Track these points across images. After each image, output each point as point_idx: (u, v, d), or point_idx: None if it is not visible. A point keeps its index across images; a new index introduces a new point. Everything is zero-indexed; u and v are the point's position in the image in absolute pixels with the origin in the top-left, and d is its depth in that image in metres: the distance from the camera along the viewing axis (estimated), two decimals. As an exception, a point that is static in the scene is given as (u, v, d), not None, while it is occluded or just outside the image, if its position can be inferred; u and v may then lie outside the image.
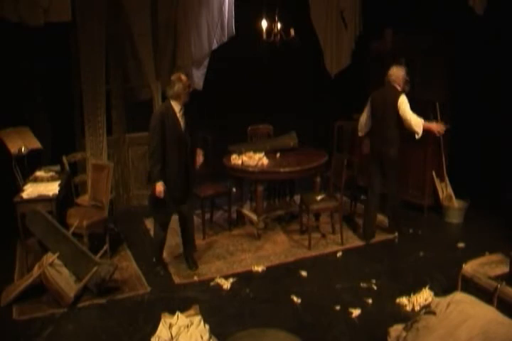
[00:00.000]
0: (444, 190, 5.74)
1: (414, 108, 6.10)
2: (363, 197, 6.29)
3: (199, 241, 5.24)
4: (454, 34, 5.55)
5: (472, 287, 3.44)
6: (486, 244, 4.79)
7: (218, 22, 6.07)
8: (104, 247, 4.71)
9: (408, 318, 3.27)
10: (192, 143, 4.40)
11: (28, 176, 4.97)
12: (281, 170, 5.09)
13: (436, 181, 5.79)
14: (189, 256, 4.71)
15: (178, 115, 4.24)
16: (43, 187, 4.69)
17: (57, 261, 4.07)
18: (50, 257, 4.06)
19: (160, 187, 4.12)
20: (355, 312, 3.82)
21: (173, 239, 5.30)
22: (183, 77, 4.20)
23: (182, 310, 3.37)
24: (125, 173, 6.28)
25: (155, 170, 4.13)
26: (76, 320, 3.80)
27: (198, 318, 3.26)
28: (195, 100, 6.48)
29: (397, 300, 3.95)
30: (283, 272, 4.56)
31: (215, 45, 6.17)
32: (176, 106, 4.23)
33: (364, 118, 5.17)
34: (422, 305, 3.77)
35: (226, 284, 4.31)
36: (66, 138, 5.97)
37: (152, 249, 4.74)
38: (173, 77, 4.21)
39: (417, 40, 5.87)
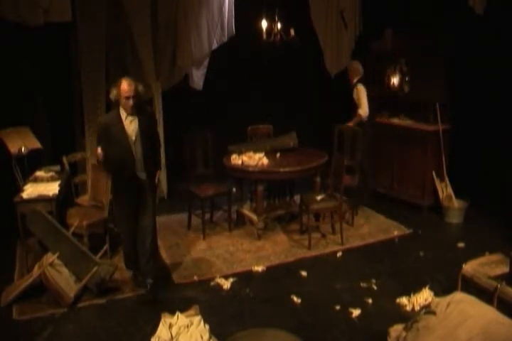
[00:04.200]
0: (444, 190, 5.74)
1: (413, 108, 6.15)
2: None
3: (199, 241, 5.25)
4: (454, 34, 5.55)
5: (472, 287, 3.44)
6: (486, 244, 4.79)
7: (218, 22, 6.08)
8: (104, 247, 4.70)
9: (408, 318, 3.26)
10: (149, 153, 4.03)
11: (28, 176, 4.96)
12: (281, 170, 5.09)
13: (436, 181, 5.79)
14: (144, 272, 4.16)
15: (125, 123, 3.89)
16: (43, 187, 4.69)
17: (57, 261, 4.07)
18: (50, 257, 4.06)
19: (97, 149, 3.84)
20: (355, 312, 3.82)
21: (172, 239, 5.31)
22: (124, 84, 3.76)
23: (182, 310, 3.37)
24: (125, 173, 6.27)
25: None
26: (76, 320, 3.80)
27: (198, 318, 3.26)
28: (195, 100, 6.55)
29: (397, 300, 3.95)
30: (283, 272, 4.56)
31: (215, 45, 6.17)
32: (123, 114, 3.89)
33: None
34: (422, 305, 3.77)
35: (226, 284, 4.31)
36: (66, 138, 5.97)
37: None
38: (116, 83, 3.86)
39: (417, 40, 5.87)
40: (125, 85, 3.76)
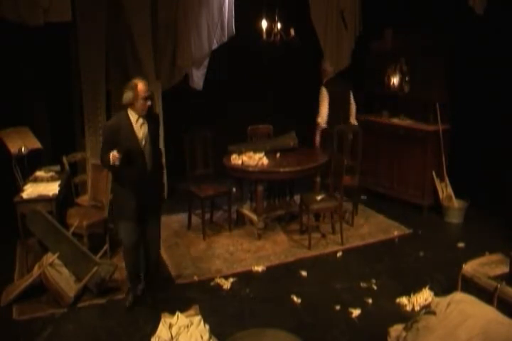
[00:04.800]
0: (444, 190, 5.74)
1: (413, 108, 6.15)
2: (363, 197, 6.32)
3: (199, 241, 5.25)
4: (454, 34, 5.55)
5: (472, 287, 3.44)
6: (486, 244, 4.79)
7: (218, 22, 6.07)
8: (104, 247, 4.70)
9: (408, 318, 3.26)
10: (157, 159, 3.91)
11: (28, 176, 4.96)
12: (281, 170, 5.09)
13: (436, 181, 5.79)
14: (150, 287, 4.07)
15: (135, 126, 3.70)
16: (43, 187, 4.69)
17: (57, 261, 4.07)
18: (50, 257, 4.06)
19: (113, 154, 3.50)
20: (355, 312, 3.82)
21: (172, 239, 5.31)
22: (141, 84, 3.62)
23: (182, 310, 3.37)
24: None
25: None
26: (76, 320, 3.80)
27: (198, 318, 3.26)
28: (195, 100, 6.55)
29: (397, 300, 3.95)
30: (283, 272, 4.56)
31: (215, 45, 6.17)
32: (133, 116, 3.69)
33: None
34: (422, 305, 3.77)
35: (226, 284, 4.31)
36: (66, 138, 5.96)
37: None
38: (130, 83, 3.66)
39: (417, 40, 5.87)
40: (142, 86, 3.63)
